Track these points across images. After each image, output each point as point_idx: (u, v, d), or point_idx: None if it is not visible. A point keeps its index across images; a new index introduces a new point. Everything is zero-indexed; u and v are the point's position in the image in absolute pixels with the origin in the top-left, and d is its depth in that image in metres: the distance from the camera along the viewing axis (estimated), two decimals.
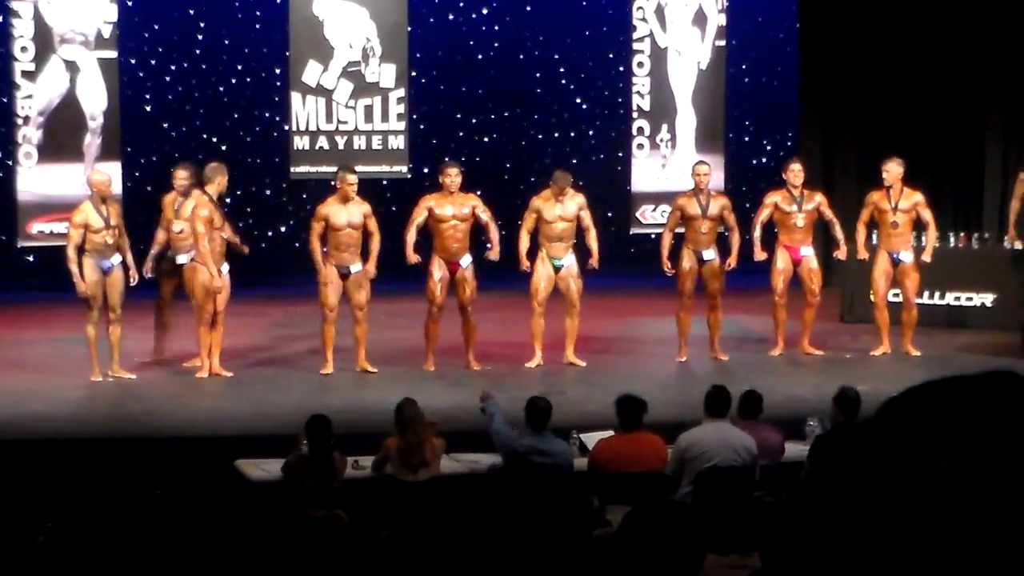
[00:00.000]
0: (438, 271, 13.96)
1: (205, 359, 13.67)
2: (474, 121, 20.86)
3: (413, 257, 13.85)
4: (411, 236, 13.87)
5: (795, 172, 14.67)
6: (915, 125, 18.62)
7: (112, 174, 15.12)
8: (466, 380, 13.56)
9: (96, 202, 13.48)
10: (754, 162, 21.37)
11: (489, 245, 14.12)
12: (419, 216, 13.97)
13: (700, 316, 14.48)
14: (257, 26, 19.94)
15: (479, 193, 14.78)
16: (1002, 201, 18.40)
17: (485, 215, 14.09)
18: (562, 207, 14.10)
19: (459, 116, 20.78)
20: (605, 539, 7.73)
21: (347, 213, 13.73)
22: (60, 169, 18.14)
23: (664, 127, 20.27)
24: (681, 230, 14.68)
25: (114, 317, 13.47)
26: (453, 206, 13.93)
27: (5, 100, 18.28)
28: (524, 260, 14.10)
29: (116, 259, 13.49)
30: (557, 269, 14.13)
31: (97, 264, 13.39)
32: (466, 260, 14.02)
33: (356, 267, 13.78)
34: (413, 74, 19.76)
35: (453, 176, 13.95)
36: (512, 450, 9.81)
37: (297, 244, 18.80)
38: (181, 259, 13.87)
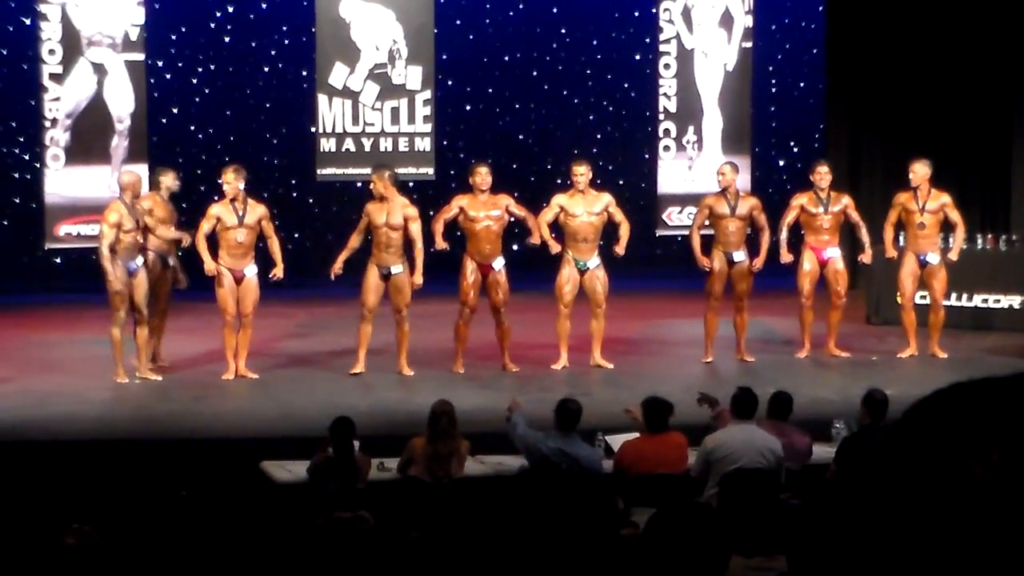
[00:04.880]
0: (471, 273, 13.94)
1: (231, 361, 13.69)
2: (500, 123, 20.88)
3: (441, 244, 13.81)
4: (439, 226, 13.85)
5: (821, 174, 14.64)
6: (942, 126, 18.56)
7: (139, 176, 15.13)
8: (494, 382, 13.57)
9: (128, 202, 13.51)
10: (781, 163, 21.35)
11: (529, 234, 14.05)
12: (449, 212, 13.95)
13: (726, 318, 14.46)
14: (284, 28, 19.99)
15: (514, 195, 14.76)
16: None
17: (520, 211, 14.08)
18: (587, 204, 14.08)
19: (485, 118, 20.79)
20: (631, 541, 7.72)
21: (386, 213, 13.72)
22: (87, 171, 18.19)
23: (690, 129, 20.23)
24: (710, 231, 14.66)
25: (140, 318, 13.49)
26: (485, 207, 13.91)
27: (33, 103, 18.34)
28: (553, 242, 14.04)
29: (139, 260, 13.51)
30: (582, 271, 14.11)
31: (124, 265, 13.41)
32: (499, 263, 13.99)
33: (397, 268, 13.76)
34: (439, 76, 19.77)
35: (483, 175, 13.93)
36: (538, 451, 9.80)
37: (323, 246, 18.85)
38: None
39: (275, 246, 13.79)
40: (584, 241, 14.07)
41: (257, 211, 13.74)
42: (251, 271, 13.69)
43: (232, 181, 13.63)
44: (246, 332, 13.71)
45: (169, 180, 14.16)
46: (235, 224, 13.59)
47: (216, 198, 14.20)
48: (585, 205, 14.09)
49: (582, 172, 14.13)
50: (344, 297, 14.12)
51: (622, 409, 10.67)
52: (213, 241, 13.73)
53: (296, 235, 19.66)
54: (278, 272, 13.76)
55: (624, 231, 14.14)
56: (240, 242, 13.60)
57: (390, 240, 13.71)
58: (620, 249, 14.10)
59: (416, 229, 13.74)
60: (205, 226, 13.63)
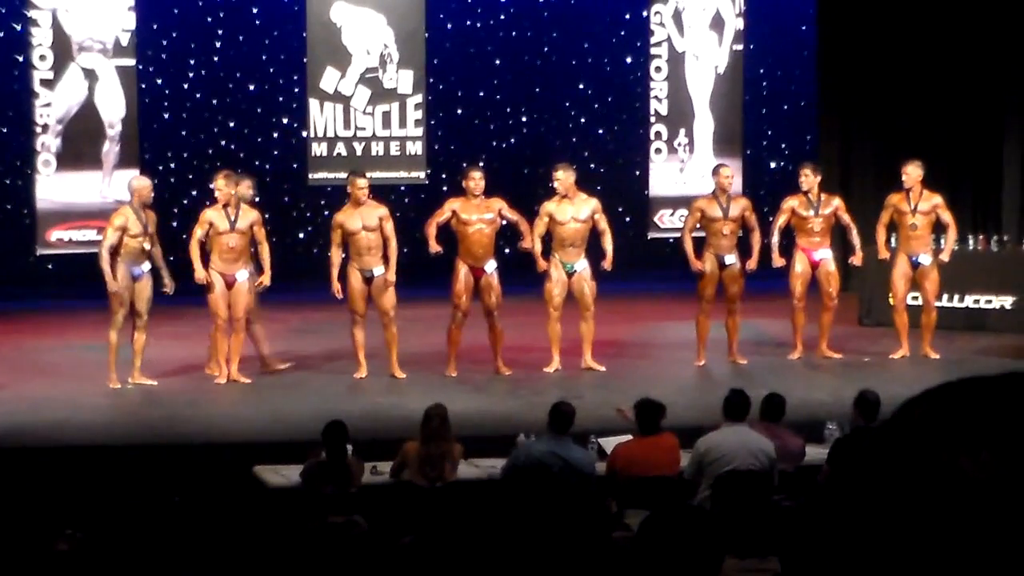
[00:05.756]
0: (463, 276, 13.94)
1: (222, 365, 13.69)
2: (492, 127, 20.89)
3: (435, 247, 13.83)
4: (432, 230, 13.87)
5: (804, 177, 14.64)
6: (933, 127, 18.58)
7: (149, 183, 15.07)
8: (487, 386, 13.58)
9: (136, 208, 13.52)
10: (772, 166, 21.37)
11: (521, 238, 14.05)
12: (442, 215, 13.97)
13: (718, 320, 14.46)
14: (275, 33, 19.98)
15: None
16: (1021, 203, 18.37)
17: (513, 215, 14.09)
18: (575, 209, 14.08)
19: (477, 122, 20.81)
20: (624, 543, 7.72)
21: (361, 217, 13.76)
22: (79, 177, 18.18)
23: (682, 131, 20.26)
24: (701, 234, 14.67)
25: (140, 324, 13.49)
26: (478, 211, 13.92)
27: (24, 108, 18.33)
28: (541, 261, 14.08)
29: (146, 266, 13.51)
30: (570, 274, 14.11)
31: (128, 270, 13.42)
32: (491, 266, 14.00)
33: (379, 270, 13.79)
34: (431, 80, 19.78)
35: (477, 180, 13.93)
36: (530, 455, 9.77)
37: (316, 250, 18.87)
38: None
39: (265, 253, 13.79)
40: (572, 246, 14.07)
41: (249, 216, 13.75)
42: (242, 276, 13.70)
43: (223, 187, 13.64)
44: (238, 337, 13.71)
45: (244, 188, 14.04)
46: (227, 229, 13.60)
47: (208, 203, 14.19)
48: (573, 211, 14.08)
49: (560, 178, 14.11)
50: (335, 301, 14.11)
51: (613, 409, 10.67)
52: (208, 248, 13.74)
53: (287, 240, 19.66)
54: (265, 280, 13.76)
55: (608, 242, 14.10)
56: (232, 247, 13.61)
57: (370, 243, 13.74)
58: (607, 265, 14.10)
59: (391, 227, 13.79)
60: (198, 231, 13.64)
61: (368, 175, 14.30)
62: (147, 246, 13.49)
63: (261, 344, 14.08)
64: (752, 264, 14.45)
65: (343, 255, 13.86)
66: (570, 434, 9.88)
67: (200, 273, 13.54)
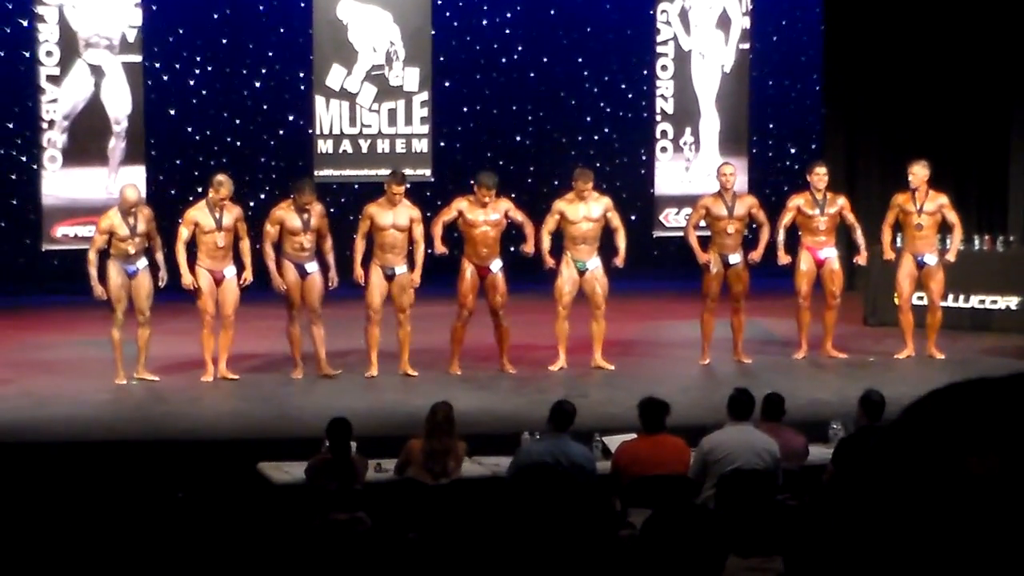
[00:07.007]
0: (469, 275, 13.95)
1: (208, 363, 13.69)
2: (497, 125, 20.86)
3: (441, 248, 13.83)
4: (438, 229, 13.86)
5: (820, 176, 14.64)
6: (939, 127, 18.57)
7: (136, 178, 15.11)
8: (492, 384, 13.57)
9: (123, 211, 13.54)
10: (778, 165, 21.33)
11: (524, 241, 14.06)
12: (448, 214, 13.97)
13: (723, 319, 14.46)
14: (281, 30, 19.98)
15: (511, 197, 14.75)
16: None
17: (519, 216, 14.08)
18: (587, 208, 14.06)
19: (483, 119, 20.79)
20: (628, 541, 7.72)
21: (393, 215, 13.79)
22: (84, 173, 18.18)
23: (688, 130, 20.24)
24: (706, 233, 14.67)
25: (142, 320, 13.52)
26: (484, 211, 13.91)
27: (30, 104, 18.34)
28: (548, 258, 14.06)
29: (142, 263, 13.54)
30: (582, 272, 14.10)
31: (122, 268, 13.45)
32: (496, 264, 14.00)
33: (401, 269, 13.82)
34: (436, 77, 19.77)
35: (491, 196, 13.84)
36: (528, 457, 9.75)
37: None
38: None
39: (246, 247, 13.80)
40: (584, 243, 14.07)
41: (233, 212, 13.78)
42: (230, 272, 13.74)
43: (230, 193, 13.66)
44: (228, 333, 13.73)
45: (306, 196, 13.92)
46: (213, 228, 13.63)
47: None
48: (585, 210, 14.06)
49: (586, 188, 14.05)
50: (340, 298, 14.13)
51: (618, 407, 10.66)
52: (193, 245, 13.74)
53: None
54: (248, 276, 13.76)
55: (620, 239, 14.10)
56: (220, 246, 13.65)
57: (396, 241, 13.78)
58: (619, 262, 14.09)
59: (421, 232, 13.82)
60: (184, 232, 13.64)
61: (387, 173, 14.22)
62: (131, 251, 13.46)
63: (319, 346, 13.98)
64: (756, 255, 14.44)
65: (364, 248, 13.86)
66: (570, 432, 9.88)
67: (188, 279, 13.55)
